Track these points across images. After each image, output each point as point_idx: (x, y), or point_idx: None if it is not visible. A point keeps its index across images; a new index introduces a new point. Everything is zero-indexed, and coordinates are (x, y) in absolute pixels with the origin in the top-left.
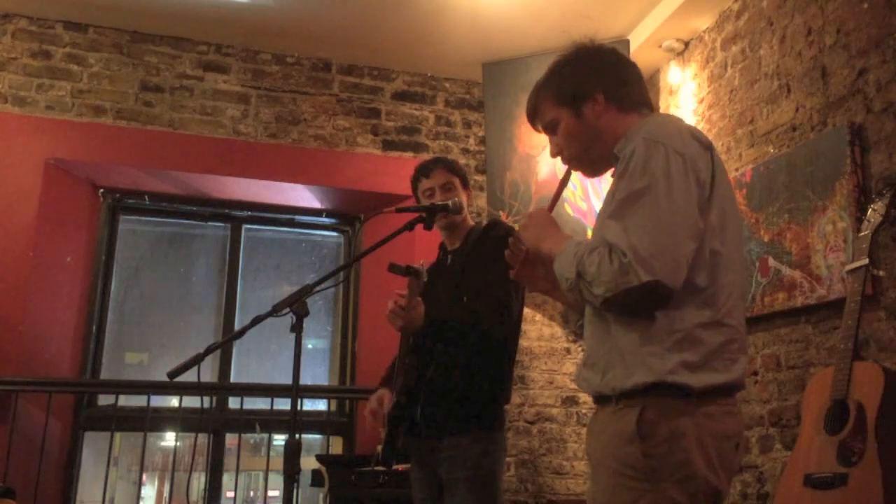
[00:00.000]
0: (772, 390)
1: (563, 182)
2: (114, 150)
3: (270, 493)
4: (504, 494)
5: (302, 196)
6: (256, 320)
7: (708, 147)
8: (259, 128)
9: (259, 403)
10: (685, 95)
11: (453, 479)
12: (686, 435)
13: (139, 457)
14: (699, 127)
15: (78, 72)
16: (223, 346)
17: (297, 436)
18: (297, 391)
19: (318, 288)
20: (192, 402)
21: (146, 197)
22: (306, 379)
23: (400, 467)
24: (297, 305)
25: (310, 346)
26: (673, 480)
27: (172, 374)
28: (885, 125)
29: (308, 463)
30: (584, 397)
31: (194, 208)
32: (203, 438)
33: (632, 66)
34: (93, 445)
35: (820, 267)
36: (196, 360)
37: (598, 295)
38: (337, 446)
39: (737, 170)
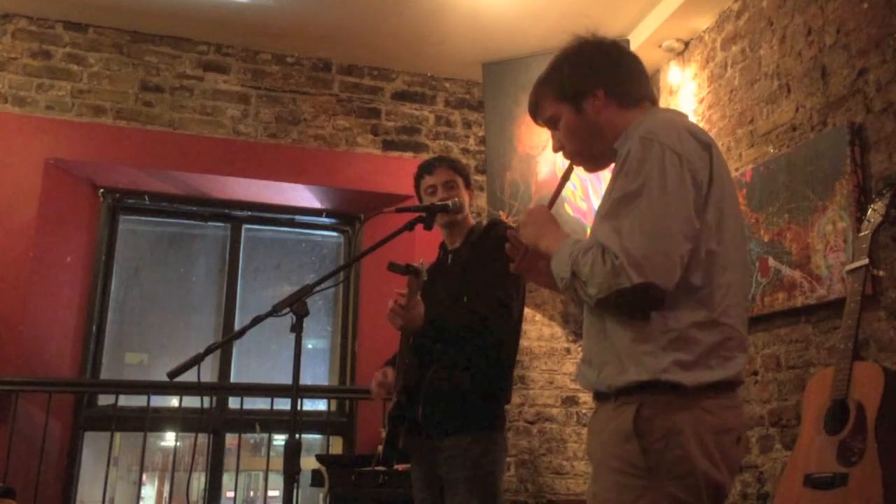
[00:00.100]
0: (772, 390)
1: (565, 177)
2: (114, 150)
3: (270, 493)
4: (504, 494)
5: (302, 196)
6: (256, 320)
7: (707, 146)
8: (259, 128)
9: (259, 403)
10: (685, 95)
11: (453, 478)
12: (683, 431)
13: (139, 457)
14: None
15: (78, 72)
16: (223, 346)
17: (297, 436)
18: (297, 391)
19: (318, 288)
20: (192, 402)
21: (146, 197)
22: (306, 379)
23: (400, 467)
24: (297, 305)
25: (310, 346)
26: (672, 477)
27: (172, 374)
28: (885, 125)
29: (308, 463)
30: (584, 397)
31: (194, 208)
32: (203, 438)
33: (633, 61)
34: (93, 445)
35: (820, 267)
36: (196, 360)
37: (591, 295)
38: (337, 446)
39: (737, 170)
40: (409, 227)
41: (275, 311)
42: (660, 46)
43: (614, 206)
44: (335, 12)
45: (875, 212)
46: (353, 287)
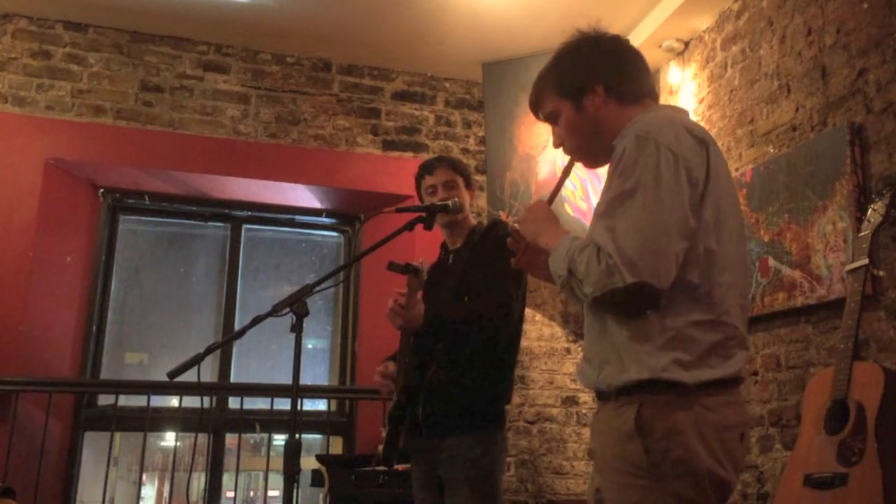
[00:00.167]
0: (772, 390)
1: (565, 173)
2: (114, 150)
3: (270, 493)
4: (504, 494)
5: (302, 196)
6: (256, 320)
7: (704, 143)
8: (259, 128)
9: (259, 403)
10: (685, 95)
11: (454, 478)
12: (684, 429)
13: (139, 457)
14: None
15: (78, 72)
16: (223, 346)
17: (297, 436)
18: (297, 391)
19: (318, 288)
20: (192, 402)
21: (146, 197)
22: (306, 379)
23: (400, 467)
24: (297, 305)
25: (310, 346)
26: (677, 475)
27: (172, 374)
28: (885, 125)
29: (308, 463)
30: (584, 397)
31: (194, 208)
32: (203, 438)
33: (634, 57)
34: (93, 445)
35: (820, 267)
36: (196, 360)
37: (587, 294)
38: (337, 446)
39: (737, 170)
40: (409, 227)
41: (275, 311)
42: (660, 46)
43: (609, 204)
44: (335, 12)
45: (875, 212)
46: (353, 287)
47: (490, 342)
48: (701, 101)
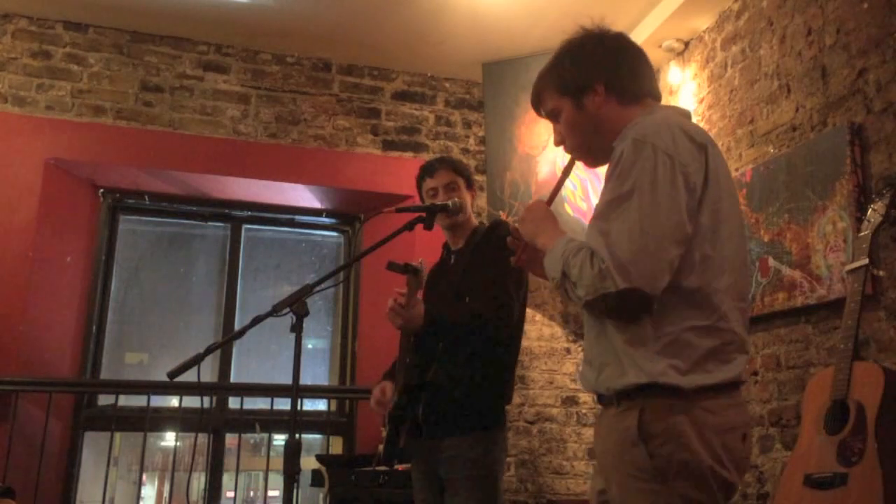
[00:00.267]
0: (772, 390)
1: (565, 173)
2: (114, 150)
3: (270, 493)
4: (504, 494)
5: (302, 196)
6: (256, 320)
7: (702, 146)
8: (259, 128)
9: (259, 403)
10: (685, 95)
11: (454, 478)
12: (686, 432)
13: (139, 457)
14: None
15: (78, 72)
16: (223, 346)
17: (297, 436)
18: (297, 391)
19: (318, 288)
20: (192, 402)
21: (146, 197)
22: (306, 379)
23: (400, 467)
24: (297, 305)
25: (310, 346)
26: (682, 478)
27: (172, 374)
28: (885, 125)
29: (308, 463)
30: (584, 397)
31: (194, 208)
32: (203, 438)
33: (637, 55)
34: (93, 445)
35: (820, 267)
36: (196, 360)
37: (580, 297)
38: (337, 446)
39: (737, 170)
40: (409, 227)
41: (275, 311)
42: (660, 46)
43: (604, 209)
44: (335, 12)
45: (875, 212)
46: (353, 287)
47: (490, 342)
48: (701, 101)
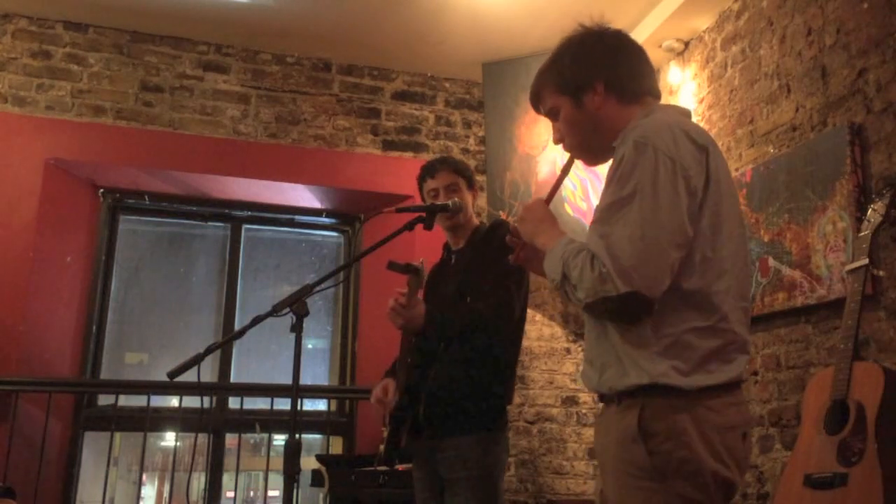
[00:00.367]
0: (772, 390)
1: (565, 170)
2: (114, 150)
3: (270, 493)
4: (504, 494)
5: (302, 196)
6: (256, 320)
7: (703, 147)
8: (259, 128)
9: (259, 403)
10: (685, 95)
11: (454, 478)
12: (686, 430)
13: (139, 457)
14: None
15: (78, 72)
16: (223, 346)
17: (297, 436)
18: (297, 391)
19: (318, 288)
20: (192, 402)
21: (146, 197)
22: (306, 379)
23: (401, 467)
24: (297, 305)
25: (310, 346)
26: (681, 477)
27: (172, 374)
28: (885, 125)
29: (308, 463)
30: (584, 397)
31: (194, 208)
32: (203, 438)
33: (636, 53)
34: (93, 445)
35: (820, 267)
36: (196, 360)
37: (580, 299)
38: (337, 446)
39: (737, 170)
40: (409, 227)
41: (275, 311)
42: (660, 46)
43: (605, 212)
44: (335, 12)
45: (875, 212)
46: (353, 287)
47: (491, 342)
48: (701, 101)
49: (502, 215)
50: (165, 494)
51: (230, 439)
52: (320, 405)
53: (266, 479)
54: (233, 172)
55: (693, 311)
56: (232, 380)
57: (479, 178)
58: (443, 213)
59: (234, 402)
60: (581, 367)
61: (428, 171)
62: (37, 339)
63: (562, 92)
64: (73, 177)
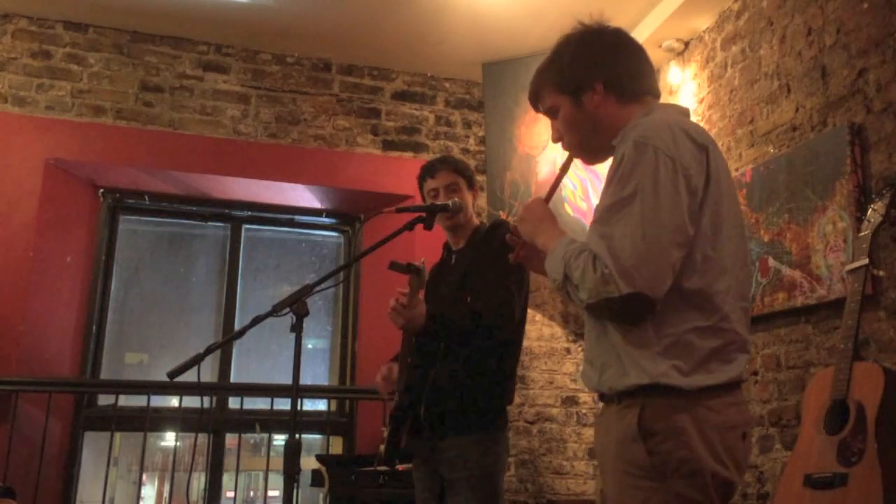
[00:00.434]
0: (772, 390)
1: (564, 168)
2: (114, 150)
3: (270, 493)
4: (504, 494)
5: (302, 196)
6: (256, 320)
7: (703, 147)
8: (259, 128)
9: (259, 403)
10: (685, 95)
11: (455, 478)
12: (686, 430)
13: (139, 457)
14: None
15: (78, 72)
16: (223, 346)
17: (297, 436)
18: (297, 391)
19: (318, 288)
20: (192, 402)
21: (146, 197)
22: (306, 379)
23: (401, 467)
24: (297, 305)
25: (310, 346)
26: (680, 476)
27: (172, 374)
28: (885, 125)
29: (308, 463)
30: (584, 397)
31: (194, 208)
32: (203, 438)
33: (636, 52)
34: (93, 445)
35: (820, 267)
36: (196, 360)
37: (582, 299)
38: (337, 446)
39: (737, 170)
40: (409, 227)
41: (275, 311)
42: (660, 46)
43: (605, 212)
44: (335, 12)
45: (875, 212)
46: (353, 287)
47: (491, 342)
48: (701, 101)
49: (502, 215)
50: (165, 494)
51: (230, 439)
52: (320, 405)
53: (266, 479)
54: (233, 172)
55: (694, 311)
56: (232, 380)
57: (479, 178)
58: (443, 213)
59: (234, 402)
60: (581, 367)
61: (428, 171)
62: (37, 339)
63: (561, 91)
64: (73, 177)
